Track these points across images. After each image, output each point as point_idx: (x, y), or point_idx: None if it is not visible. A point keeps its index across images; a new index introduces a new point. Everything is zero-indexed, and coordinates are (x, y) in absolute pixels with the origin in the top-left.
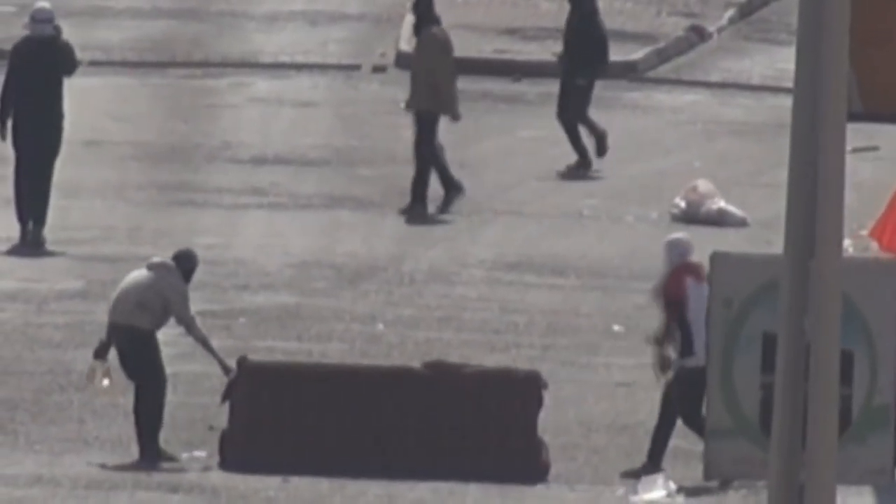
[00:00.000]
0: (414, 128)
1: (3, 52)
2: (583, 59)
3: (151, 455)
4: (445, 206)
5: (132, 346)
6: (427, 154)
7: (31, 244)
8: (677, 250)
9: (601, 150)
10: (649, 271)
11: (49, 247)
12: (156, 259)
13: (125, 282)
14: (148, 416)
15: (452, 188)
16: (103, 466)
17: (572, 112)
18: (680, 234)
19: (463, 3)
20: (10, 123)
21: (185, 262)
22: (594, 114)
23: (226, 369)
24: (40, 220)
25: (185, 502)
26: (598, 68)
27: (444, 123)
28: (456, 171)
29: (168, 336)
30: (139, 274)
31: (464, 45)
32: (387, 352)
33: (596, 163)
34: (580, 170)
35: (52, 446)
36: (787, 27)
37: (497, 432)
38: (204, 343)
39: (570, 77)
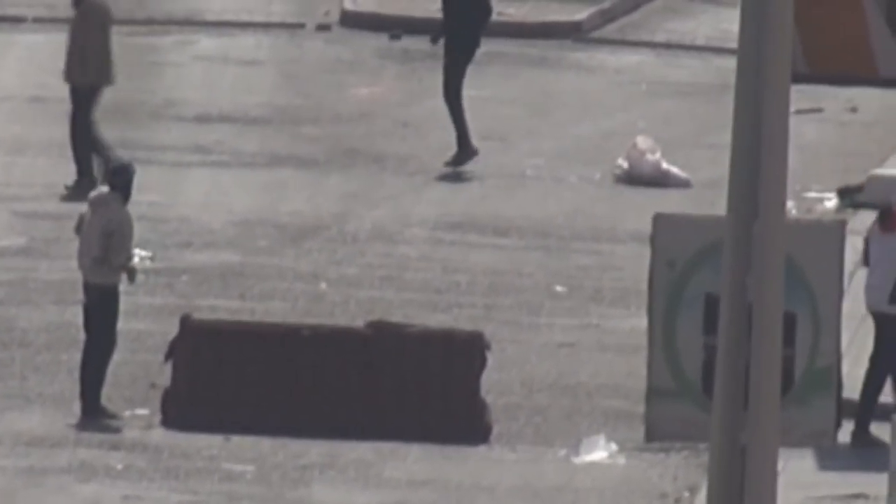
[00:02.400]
0: (72, 101)
1: None
2: (460, 39)
3: (93, 412)
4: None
5: (99, 302)
6: (85, 128)
7: None
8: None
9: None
10: (592, 231)
11: None
12: (93, 194)
13: (82, 233)
14: (93, 372)
15: (86, 175)
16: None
17: (451, 92)
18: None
19: None
20: None
21: (120, 177)
22: (539, 74)
23: (130, 275)
24: None
25: (127, 460)
26: (471, 48)
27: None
28: (400, 131)
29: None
30: (89, 222)
31: (409, 5)
32: (329, 311)
33: (541, 123)
34: (458, 162)
35: None
36: None
37: (439, 392)
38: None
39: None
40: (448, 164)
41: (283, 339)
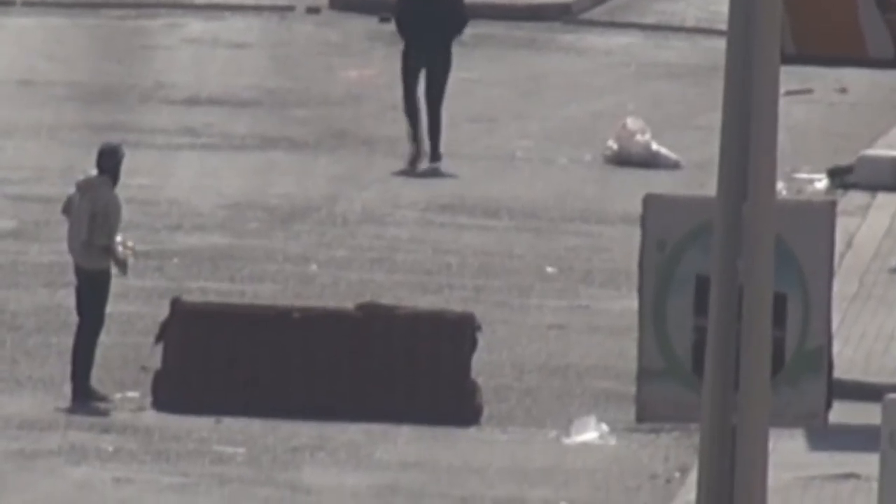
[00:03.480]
0: None
1: None
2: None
3: (84, 395)
4: None
5: (89, 285)
6: None
7: None
8: None
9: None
10: (582, 213)
11: None
12: (80, 179)
13: (72, 217)
14: (82, 355)
15: None
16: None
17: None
18: None
19: None
20: None
21: (109, 160)
22: (529, 56)
23: (121, 267)
24: None
25: (118, 442)
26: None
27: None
28: (390, 114)
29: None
30: (77, 206)
31: None
32: (319, 293)
33: (530, 105)
34: (413, 165)
35: None
36: None
37: (430, 374)
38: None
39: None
40: (409, 165)
41: (274, 322)
